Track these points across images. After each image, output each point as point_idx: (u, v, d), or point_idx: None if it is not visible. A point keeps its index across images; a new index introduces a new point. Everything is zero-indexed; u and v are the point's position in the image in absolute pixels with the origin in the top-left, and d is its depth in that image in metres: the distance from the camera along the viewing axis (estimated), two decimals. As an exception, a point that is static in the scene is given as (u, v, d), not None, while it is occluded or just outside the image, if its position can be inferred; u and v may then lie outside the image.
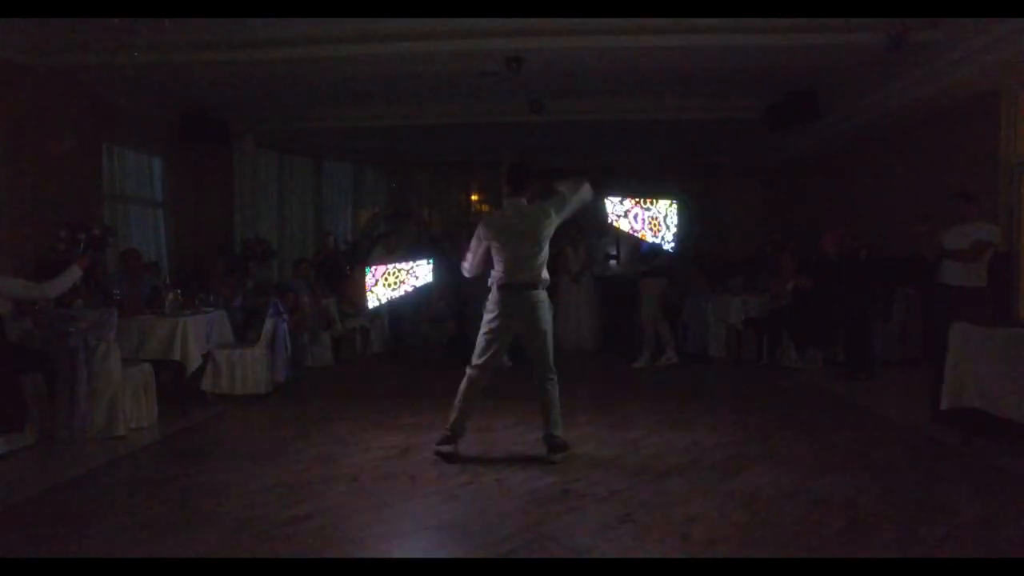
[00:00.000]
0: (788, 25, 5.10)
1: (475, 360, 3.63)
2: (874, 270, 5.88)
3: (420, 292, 6.72)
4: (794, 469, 3.44)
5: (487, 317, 3.62)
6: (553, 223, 3.62)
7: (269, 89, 7.00)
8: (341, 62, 5.92)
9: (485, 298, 3.68)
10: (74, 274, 4.12)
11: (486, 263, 3.67)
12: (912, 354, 6.45)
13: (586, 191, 3.73)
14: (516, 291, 3.54)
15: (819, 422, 4.45)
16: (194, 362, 4.70)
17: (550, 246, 3.69)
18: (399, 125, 8.41)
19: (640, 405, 4.93)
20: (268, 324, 5.26)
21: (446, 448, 3.60)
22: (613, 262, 8.81)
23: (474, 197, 11.15)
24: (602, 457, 3.67)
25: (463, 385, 3.64)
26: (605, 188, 6.69)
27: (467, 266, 3.77)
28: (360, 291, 6.82)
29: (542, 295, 3.61)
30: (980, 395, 3.69)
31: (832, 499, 3.01)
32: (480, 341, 3.64)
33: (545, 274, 3.64)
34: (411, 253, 8.03)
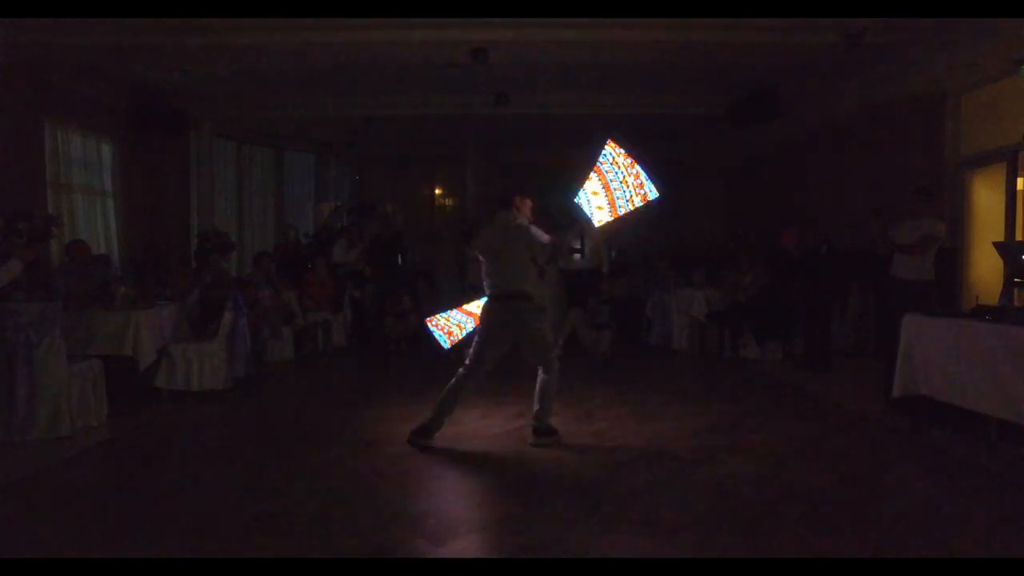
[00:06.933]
0: (749, 23, 5.19)
1: (467, 361, 3.73)
2: (833, 264, 6.06)
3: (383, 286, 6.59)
4: (756, 457, 3.52)
5: (480, 326, 3.78)
6: (522, 246, 3.74)
7: (228, 76, 6.75)
8: (303, 49, 5.76)
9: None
10: (14, 269, 3.89)
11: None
12: (866, 345, 6.69)
13: (546, 251, 3.80)
14: (504, 301, 3.68)
15: (779, 412, 4.58)
16: (147, 357, 4.52)
17: None
18: (362, 116, 8.24)
19: (605, 397, 4.98)
20: (227, 318, 5.09)
21: (422, 441, 3.64)
22: (577, 256, 8.85)
23: (437, 191, 11.05)
24: (569, 448, 3.69)
25: (451, 383, 3.70)
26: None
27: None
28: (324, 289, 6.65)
29: (531, 304, 3.69)
30: (928, 383, 3.85)
31: (793, 486, 3.10)
32: (474, 347, 3.75)
33: (533, 286, 3.72)
34: (373, 247, 7.91)
